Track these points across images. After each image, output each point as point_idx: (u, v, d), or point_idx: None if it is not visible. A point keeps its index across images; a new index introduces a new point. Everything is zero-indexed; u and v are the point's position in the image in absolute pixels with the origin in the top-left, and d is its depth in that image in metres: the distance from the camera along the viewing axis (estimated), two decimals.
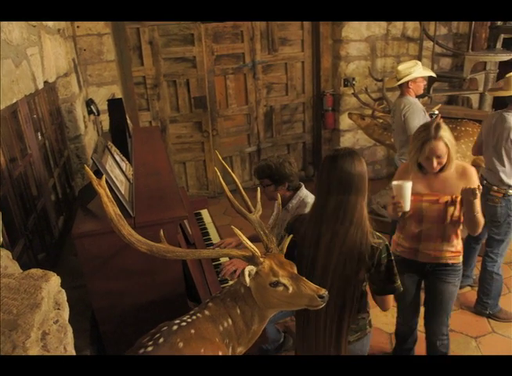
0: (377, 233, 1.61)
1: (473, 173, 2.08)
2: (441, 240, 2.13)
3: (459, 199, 2.05)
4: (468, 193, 1.96)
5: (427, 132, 1.97)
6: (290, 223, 1.74)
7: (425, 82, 3.30)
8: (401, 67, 3.20)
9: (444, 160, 2.01)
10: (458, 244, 2.16)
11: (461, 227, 2.15)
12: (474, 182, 2.04)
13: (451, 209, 2.07)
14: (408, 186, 1.98)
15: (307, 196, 2.34)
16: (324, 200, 1.56)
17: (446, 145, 1.97)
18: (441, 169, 2.05)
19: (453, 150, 2.00)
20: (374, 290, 1.68)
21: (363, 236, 1.55)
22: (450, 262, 2.15)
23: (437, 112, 3.39)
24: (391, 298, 1.72)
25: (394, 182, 2.03)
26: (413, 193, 2.03)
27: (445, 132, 1.98)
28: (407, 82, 3.16)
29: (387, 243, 1.60)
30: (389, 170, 5.15)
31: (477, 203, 2.00)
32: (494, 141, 2.73)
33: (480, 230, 2.11)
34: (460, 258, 2.18)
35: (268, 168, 2.27)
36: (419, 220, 2.11)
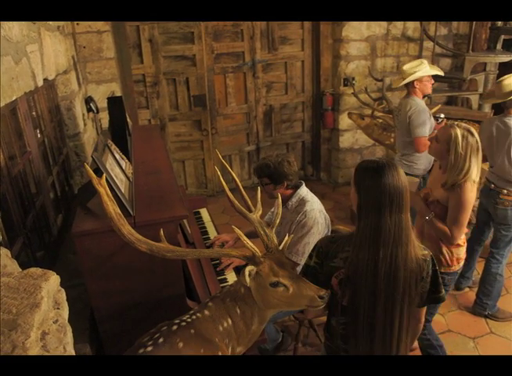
0: (420, 245, 1.53)
1: (461, 199, 1.98)
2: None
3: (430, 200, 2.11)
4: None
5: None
6: (322, 246, 1.54)
7: (432, 81, 3.16)
8: (406, 67, 3.11)
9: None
10: (446, 253, 2.13)
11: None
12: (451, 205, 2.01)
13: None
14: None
15: (307, 194, 2.34)
16: (377, 222, 1.40)
17: (448, 143, 1.98)
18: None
19: (454, 156, 1.97)
20: (417, 303, 1.54)
21: (417, 253, 1.45)
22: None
23: (443, 116, 3.32)
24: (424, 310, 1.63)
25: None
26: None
27: (465, 139, 1.95)
28: (413, 82, 3.06)
29: (431, 253, 1.52)
30: None
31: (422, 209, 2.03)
32: (500, 146, 2.68)
33: (447, 239, 2.06)
34: (450, 269, 2.15)
35: (266, 167, 2.26)
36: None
